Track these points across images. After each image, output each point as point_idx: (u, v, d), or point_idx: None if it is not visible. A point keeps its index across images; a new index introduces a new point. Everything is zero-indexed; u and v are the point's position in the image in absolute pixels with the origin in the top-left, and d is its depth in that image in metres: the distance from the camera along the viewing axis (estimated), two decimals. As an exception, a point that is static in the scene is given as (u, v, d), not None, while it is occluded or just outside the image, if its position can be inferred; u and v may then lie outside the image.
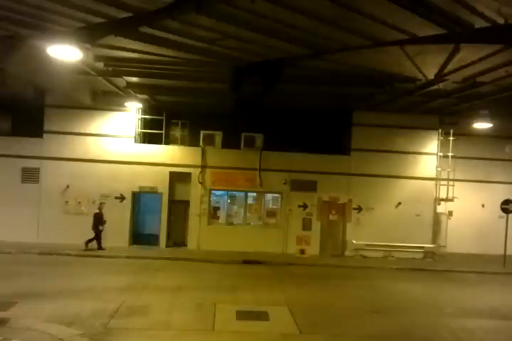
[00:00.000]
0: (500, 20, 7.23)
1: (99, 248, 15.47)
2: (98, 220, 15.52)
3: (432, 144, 17.84)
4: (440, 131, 17.74)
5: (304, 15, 7.54)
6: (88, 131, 16.85)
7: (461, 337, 8.37)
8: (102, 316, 8.30)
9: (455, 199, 17.42)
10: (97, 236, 15.52)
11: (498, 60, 10.25)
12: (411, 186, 17.61)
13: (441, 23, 7.58)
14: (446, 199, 17.51)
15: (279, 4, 7.14)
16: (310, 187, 17.35)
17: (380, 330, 8.52)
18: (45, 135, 16.72)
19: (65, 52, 9.36)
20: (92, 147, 16.83)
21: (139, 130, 17.47)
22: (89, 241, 15.45)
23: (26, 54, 10.34)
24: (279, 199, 17.70)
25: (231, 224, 17.71)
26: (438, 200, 17.76)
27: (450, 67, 10.96)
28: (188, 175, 17.15)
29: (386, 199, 17.51)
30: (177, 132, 18.08)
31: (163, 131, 17.71)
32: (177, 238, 17.30)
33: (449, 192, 17.44)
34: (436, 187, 17.81)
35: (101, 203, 16.19)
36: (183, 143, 17.96)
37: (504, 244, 16.17)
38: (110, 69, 12.54)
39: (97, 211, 15.68)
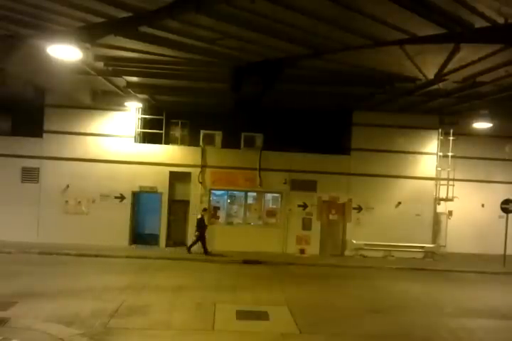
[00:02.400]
0: (501, 20, 7.23)
1: (206, 252, 15.68)
2: (199, 225, 15.74)
3: (431, 144, 17.83)
4: (440, 130, 17.74)
5: (304, 15, 7.53)
6: (88, 131, 16.84)
7: (461, 337, 8.38)
8: (101, 316, 8.29)
9: (455, 199, 17.42)
10: (202, 241, 15.75)
11: (498, 59, 10.24)
12: (411, 186, 17.61)
13: (442, 23, 7.58)
14: (446, 199, 17.51)
15: (279, 4, 7.13)
16: (310, 186, 17.35)
17: (380, 330, 8.52)
18: (45, 135, 16.72)
19: (64, 52, 9.35)
20: (92, 147, 16.82)
21: (139, 130, 17.46)
22: (191, 245, 15.84)
23: (26, 54, 10.33)
24: (279, 199, 17.69)
25: (231, 223, 17.71)
26: (438, 200, 17.76)
27: (450, 66, 10.94)
28: (188, 174, 17.15)
29: (386, 199, 17.51)
30: (177, 132, 18.10)
31: (163, 131, 17.71)
32: (177, 238, 17.29)
33: (448, 191, 17.44)
34: (436, 187, 17.80)
35: (204, 209, 16.46)
36: (183, 142, 17.97)
37: (504, 243, 16.17)
38: (110, 68, 12.53)
39: (199, 216, 15.92)
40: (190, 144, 17.75)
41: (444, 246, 17.26)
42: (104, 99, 16.46)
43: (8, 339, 6.75)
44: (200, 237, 15.79)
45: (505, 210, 16.32)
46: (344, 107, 17.04)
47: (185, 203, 17.25)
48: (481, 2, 6.73)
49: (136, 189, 16.98)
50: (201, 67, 11.77)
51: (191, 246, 15.89)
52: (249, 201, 17.96)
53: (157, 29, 8.65)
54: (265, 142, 17.50)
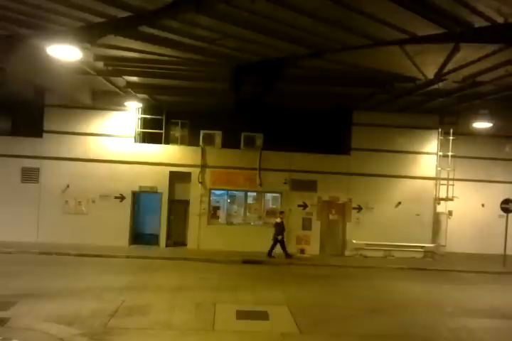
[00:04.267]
0: (500, 20, 7.24)
1: (287, 256, 15.77)
2: (279, 229, 15.81)
3: (431, 144, 17.82)
4: (440, 130, 17.72)
5: (304, 15, 7.54)
6: (88, 131, 16.83)
7: (461, 337, 8.38)
8: (101, 316, 8.30)
9: (455, 199, 17.41)
10: (282, 245, 15.85)
11: (497, 59, 10.24)
12: (411, 186, 17.60)
13: (441, 23, 7.59)
14: (446, 199, 17.50)
15: (279, 4, 7.14)
16: (310, 186, 17.34)
17: (380, 330, 8.52)
18: (44, 135, 16.70)
19: (64, 52, 9.35)
20: (92, 147, 16.82)
21: (139, 130, 17.46)
22: (272, 249, 15.84)
23: (26, 54, 10.34)
24: (279, 199, 17.69)
25: (231, 223, 17.70)
26: (438, 200, 17.75)
27: (450, 66, 10.95)
28: (188, 174, 17.14)
29: (386, 198, 17.50)
30: (177, 132, 18.12)
31: (163, 131, 17.72)
32: (177, 238, 17.29)
33: (448, 191, 17.43)
34: (436, 187, 17.79)
35: (281, 212, 16.59)
36: (183, 142, 17.98)
37: (504, 243, 16.15)
38: (110, 68, 12.53)
39: (278, 220, 16.01)
40: (190, 144, 17.76)
41: (444, 245, 17.25)
42: (104, 99, 16.46)
43: (8, 339, 6.75)
44: (280, 241, 15.84)
45: (505, 210, 16.29)
46: (344, 107, 17.04)
47: (185, 203, 17.25)
48: (481, 2, 6.73)
49: (136, 189, 16.97)
50: (201, 67, 11.78)
51: (271, 250, 15.82)
52: (249, 201, 17.95)
53: (157, 29, 8.65)
54: (265, 142, 17.51)
